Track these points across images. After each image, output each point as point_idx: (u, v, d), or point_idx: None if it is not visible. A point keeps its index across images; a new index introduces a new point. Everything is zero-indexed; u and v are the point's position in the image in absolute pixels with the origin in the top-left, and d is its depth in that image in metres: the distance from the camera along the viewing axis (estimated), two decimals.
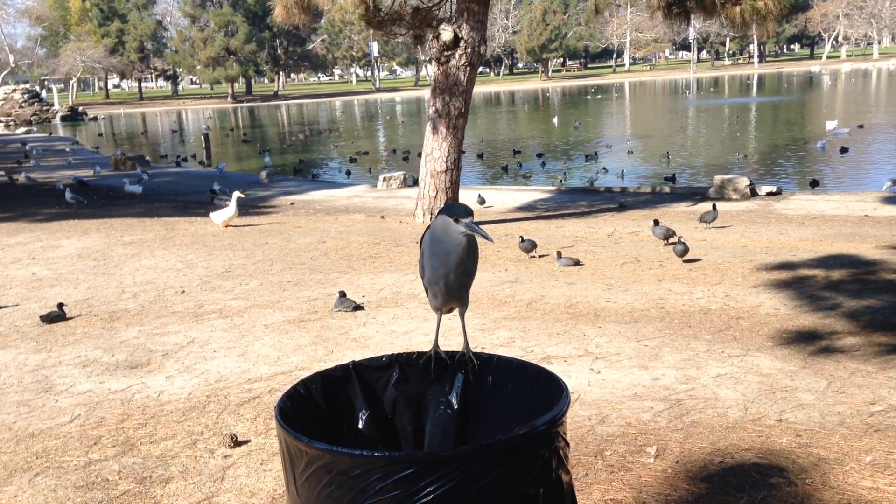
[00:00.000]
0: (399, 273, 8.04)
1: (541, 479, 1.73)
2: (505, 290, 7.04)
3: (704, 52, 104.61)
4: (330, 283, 7.77)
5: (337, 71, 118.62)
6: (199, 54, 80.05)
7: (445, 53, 10.64)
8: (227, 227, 11.27)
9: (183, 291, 7.59)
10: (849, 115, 31.04)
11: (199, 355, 5.64)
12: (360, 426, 2.19)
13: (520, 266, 8.18)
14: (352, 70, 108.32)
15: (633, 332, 5.73)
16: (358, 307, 6.64)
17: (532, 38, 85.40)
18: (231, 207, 11.19)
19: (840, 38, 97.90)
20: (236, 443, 4.07)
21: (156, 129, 51.05)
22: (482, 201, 13.48)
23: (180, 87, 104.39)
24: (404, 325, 6.13)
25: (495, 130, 34.64)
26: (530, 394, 2.09)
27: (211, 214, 11.46)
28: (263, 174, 19.60)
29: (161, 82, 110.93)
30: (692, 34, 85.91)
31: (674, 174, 16.95)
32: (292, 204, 15.45)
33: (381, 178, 17.58)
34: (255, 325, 6.35)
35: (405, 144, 29.11)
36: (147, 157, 26.34)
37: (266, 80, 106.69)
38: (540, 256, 8.54)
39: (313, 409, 2.07)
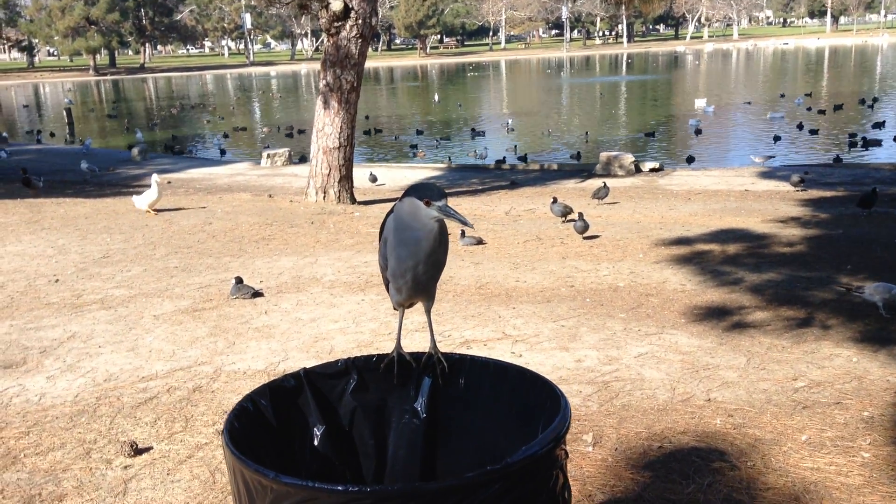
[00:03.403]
0: (297, 256, 7.63)
1: (550, 500, 1.50)
2: None
3: (576, 31, 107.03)
4: (222, 267, 7.29)
5: (207, 43, 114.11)
6: (57, 24, 74.74)
7: (335, 24, 10.19)
8: (151, 212, 10.23)
9: (57, 280, 6.92)
10: (716, 94, 32.41)
11: (82, 351, 5.10)
12: (316, 443, 1.89)
13: None
14: (223, 43, 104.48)
15: (548, 312, 5.60)
16: (257, 294, 6.23)
17: (409, 14, 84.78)
18: (154, 189, 10.15)
19: (703, 20, 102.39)
20: (136, 451, 3.65)
21: (10, 104, 47.49)
22: (374, 179, 13.15)
23: (36, 58, 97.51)
24: (310, 311, 5.77)
25: (380, 108, 34.13)
26: (511, 399, 1.85)
27: (133, 198, 10.51)
28: (135, 151, 18.47)
29: (15, 54, 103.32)
30: (565, 13, 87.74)
31: (578, 152, 17.03)
32: (169, 183, 14.60)
33: (264, 154, 16.90)
34: (143, 316, 5.83)
35: (284, 120, 28.26)
36: (4, 134, 24.36)
37: (131, 52, 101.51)
38: None
39: (263, 428, 1.76)
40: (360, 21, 10.23)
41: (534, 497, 1.46)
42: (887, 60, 55.27)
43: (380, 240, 2.05)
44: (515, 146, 18.35)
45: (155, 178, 10.26)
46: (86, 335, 5.43)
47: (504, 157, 16.52)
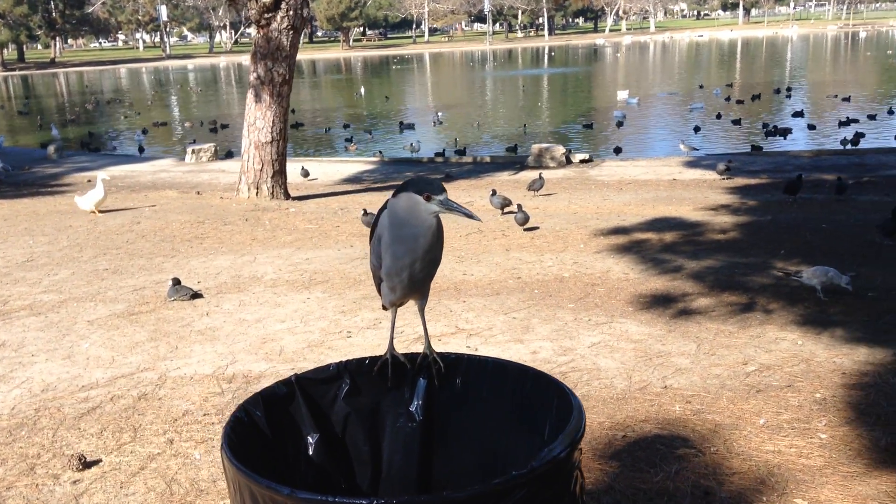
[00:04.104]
0: (234, 254, 7.43)
1: (571, 501, 1.46)
2: (357, 268, 6.68)
3: (498, 24, 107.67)
4: (155, 268, 7.04)
5: (121, 36, 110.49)
6: None
7: (266, 16, 9.95)
8: (97, 213, 9.73)
9: None
10: (638, 85, 33.07)
11: (14, 361, 4.84)
12: (310, 452, 1.80)
13: (365, 241, 7.83)
14: (138, 36, 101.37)
15: (498, 304, 5.59)
16: (196, 295, 6.03)
17: (332, 6, 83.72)
18: (99, 189, 9.64)
19: (621, 13, 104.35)
20: (85, 464, 3.47)
21: None
22: (306, 174, 12.93)
23: None
24: (254, 312, 5.61)
25: (303, 101, 33.61)
26: (512, 399, 1.80)
27: (76, 199, 9.96)
28: (51, 149, 17.73)
29: None
30: (487, 6, 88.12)
31: (515, 144, 17.05)
32: (89, 181, 14.01)
33: (189, 150, 16.44)
34: (76, 322, 5.57)
35: (206, 115, 27.58)
36: None
37: (40, 47, 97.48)
38: None
39: (257, 438, 1.67)
40: (291, 12, 10.01)
41: (558, 499, 1.42)
42: (797, 51, 57.40)
43: (371, 238, 1.97)
44: (456, 139, 18.33)
45: (101, 176, 9.79)
46: (16, 343, 5.15)
47: (444, 150, 16.50)
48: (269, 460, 1.67)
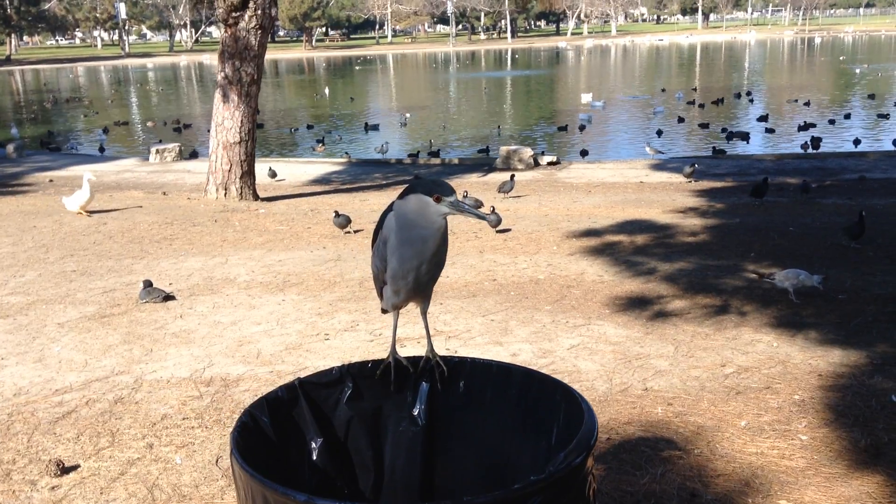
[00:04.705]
0: (205, 256, 7.33)
1: None
2: (331, 270, 6.62)
3: (460, 26, 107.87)
4: (125, 270, 6.92)
5: (79, 34, 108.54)
6: None
7: (234, 15, 9.84)
8: (83, 213, 9.44)
9: None
10: (602, 89, 33.37)
11: None
12: (314, 457, 1.78)
13: (337, 243, 7.77)
14: (96, 34, 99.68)
15: (475, 306, 5.59)
16: (169, 297, 5.93)
17: (294, 6, 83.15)
18: (85, 190, 9.34)
19: (583, 16, 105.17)
20: (63, 469, 3.39)
21: None
22: (273, 174, 12.81)
23: None
24: (229, 314, 5.54)
25: (266, 102, 33.32)
26: (517, 403, 1.80)
27: (63, 200, 9.67)
28: (11, 148, 17.34)
29: None
30: (450, 8, 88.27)
31: (487, 146, 17.03)
32: (51, 181, 13.77)
33: (153, 150, 16.19)
34: (45, 325, 5.45)
35: (167, 114, 27.22)
36: None
37: None
38: (355, 232, 8.19)
39: (263, 442, 1.64)
40: (259, 11, 9.92)
41: None
42: (755, 56, 58.37)
43: (374, 241, 1.94)
44: (430, 141, 18.29)
45: (87, 176, 9.49)
46: None
47: (417, 152, 16.49)
48: (273, 465, 1.65)
